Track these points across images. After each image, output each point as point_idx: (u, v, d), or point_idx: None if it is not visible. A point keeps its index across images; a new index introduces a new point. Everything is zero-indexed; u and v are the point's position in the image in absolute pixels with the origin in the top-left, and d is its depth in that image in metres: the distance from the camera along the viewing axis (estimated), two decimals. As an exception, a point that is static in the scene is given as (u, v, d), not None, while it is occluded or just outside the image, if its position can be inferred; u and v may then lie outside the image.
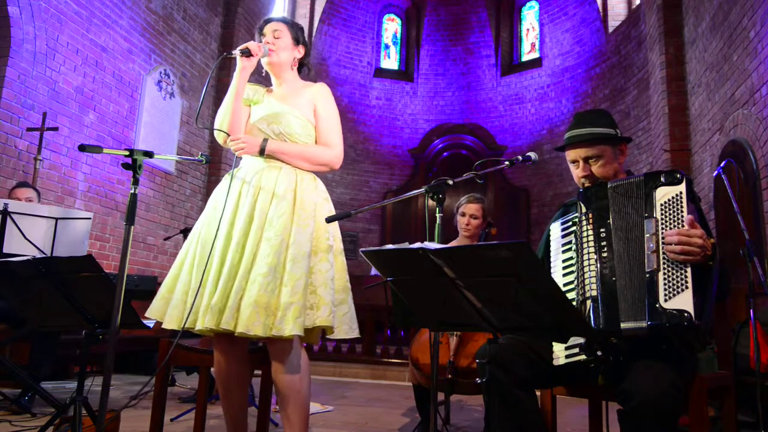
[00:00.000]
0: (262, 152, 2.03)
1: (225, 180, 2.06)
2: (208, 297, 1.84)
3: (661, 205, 1.60)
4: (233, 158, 2.07)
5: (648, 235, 1.59)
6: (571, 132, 1.86)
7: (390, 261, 1.47)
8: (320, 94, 2.15)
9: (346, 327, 1.98)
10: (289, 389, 1.91)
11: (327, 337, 1.97)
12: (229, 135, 2.04)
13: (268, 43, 2.12)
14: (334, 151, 2.11)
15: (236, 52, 2.03)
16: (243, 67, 2.05)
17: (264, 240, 1.89)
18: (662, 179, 1.62)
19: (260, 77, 2.24)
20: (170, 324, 1.89)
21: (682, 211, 1.57)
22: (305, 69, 2.29)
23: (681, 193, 1.58)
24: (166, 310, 1.93)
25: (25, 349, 3.76)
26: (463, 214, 3.13)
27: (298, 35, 2.20)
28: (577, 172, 1.86)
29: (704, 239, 1.50)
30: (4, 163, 4.42)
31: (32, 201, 3.55)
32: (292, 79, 2.21)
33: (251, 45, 2.04)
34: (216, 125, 2.07)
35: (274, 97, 2.17)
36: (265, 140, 2.03)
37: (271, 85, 2.26)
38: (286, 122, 2.06)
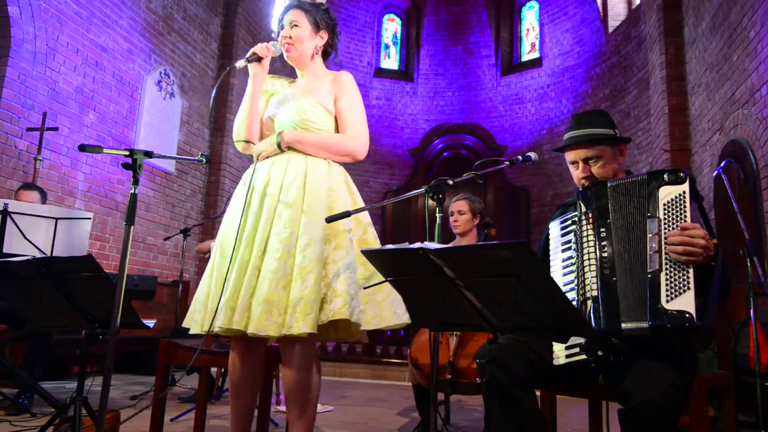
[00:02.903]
0: (279, 146, 1.95)
1: (241, 182, 2.02)
2: (223, 298, 1.81)
3: (664, 204, 1.59)
4: (252, 159, 2.03)
5: (650, 235, 1.58)
6: (570, 133, 1.85)
7: (390, 261, 1.47)
8: (342, 83, 2.04)
9: (388, 314, 1.83)
10: (299, 389, 1.82)
11: (377, 328, 1.82)
12: (248, 142, 1.99)
13: (285, 37, 2.02)
14: (358, 141, 1.99)
15: (241, 63, 1.95)
16: (255, 74, 1.97)
17: (273, 235, 1.82)
18: (665, 178, 1.60)
19: (282, 68, 2.17)
20: (195, 329, 1.86)
21: (685, 211, 1.56)
22: (333, 53, 2.15)
23: (684, 192, 1.57)
24: (193, 318, 1.91)
25: (21, 350, 3.76)
26: (452, 213, 3.21)
27: (318, 21, 2.05)
28: (576, 173, 1.86)
29: (707, 240, 1.50)
30: (4, 163, 4.42)
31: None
32: (316, 69, 2.09)
33: (258, 49, 1.96)
34: (234, 134, 2.01)
35: (294, 87, 2.09)
36: (279, 134, 1.95)
37: (295, 75, 2.17)
38: (301, 109, 1.97)
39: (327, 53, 2.14)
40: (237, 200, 1.97)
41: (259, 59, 1.97)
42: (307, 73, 2.10)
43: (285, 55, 2.05)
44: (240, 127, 2.01)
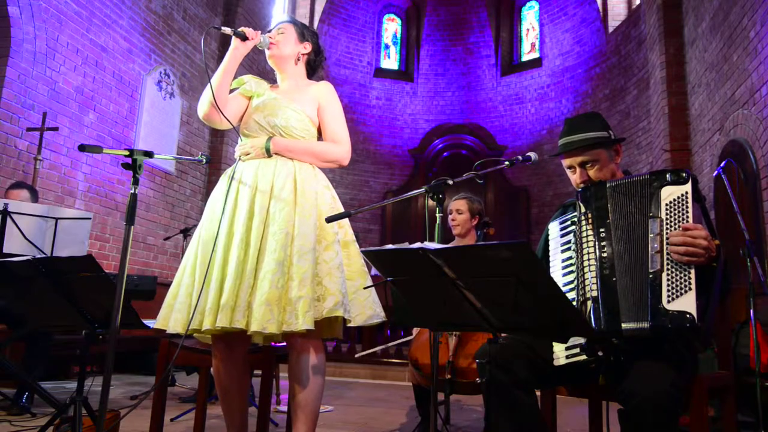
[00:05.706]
0: (268, 152, 2.01)
1: (222, 179, 2.06)
2: (213, 297, 1.82)
3: (666, 204, 1.58)
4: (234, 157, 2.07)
5: (652, 235, 1.57)
6: (564, 139, 1.84)
7: (390, 261, 1.47)
8: (325, 92, 2.15)
9: (369, 311, 1.94)
10: (303, 386, 1.89)
11: (349, 325, 1.92)
12: (213, 108, 2.03)
13: (271, 38, 2.12)
14: (343, 147, 2.11)
15: (227, 30, 2.01)
16: (235, 47, 2.05)
17: (270, 235, 1.87)
18: (668, 178, 1.59)
19: (262, 72, 2.23)
20: (176, 328, 1.86)
21: (687, 211, 1.55)
22: (317, 73, 2.28)
23: (687, 192, 1.56)
24: (171, 316, 1.90)
25: (21, 349, 3.76)
26: (450, 212, 3.20)
27: (304, 32, 2.21)
28: (574, 178, 1.85)
29: (709, 240, 1.49)
30: (4, 163, 4.42)
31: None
32: (297, 76, 2.20)
33: (247, 29, 2.04)
34: (211, 90, 2.02)
35: (276, 91, 2.16)
36: (269, 140, 2.01)
37: (276, 82, 2.25)
38: (284, 115, 2.04)
39: (312, 66, 2.26)
40: (218, 200, 1.99)
41: (244, 38, 2.04)
42: (287, 78, 2.20)
43: (267, 52, 2.15)
44: (212, 89, 2.03)
